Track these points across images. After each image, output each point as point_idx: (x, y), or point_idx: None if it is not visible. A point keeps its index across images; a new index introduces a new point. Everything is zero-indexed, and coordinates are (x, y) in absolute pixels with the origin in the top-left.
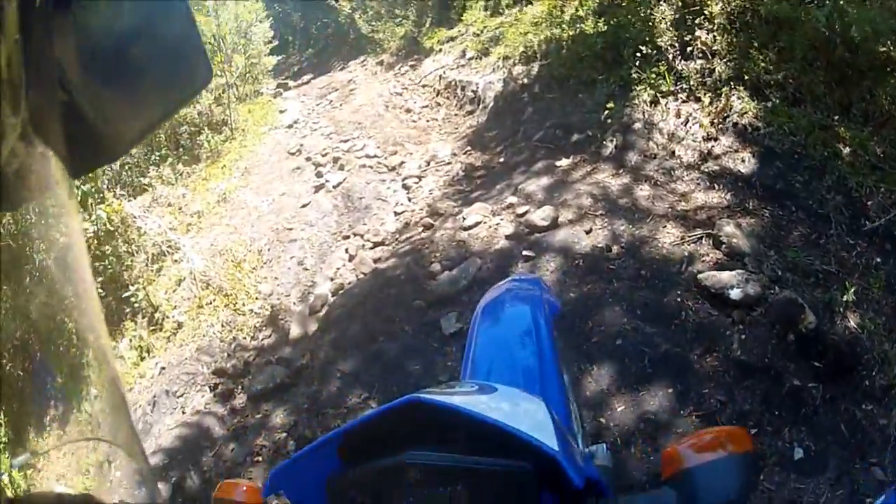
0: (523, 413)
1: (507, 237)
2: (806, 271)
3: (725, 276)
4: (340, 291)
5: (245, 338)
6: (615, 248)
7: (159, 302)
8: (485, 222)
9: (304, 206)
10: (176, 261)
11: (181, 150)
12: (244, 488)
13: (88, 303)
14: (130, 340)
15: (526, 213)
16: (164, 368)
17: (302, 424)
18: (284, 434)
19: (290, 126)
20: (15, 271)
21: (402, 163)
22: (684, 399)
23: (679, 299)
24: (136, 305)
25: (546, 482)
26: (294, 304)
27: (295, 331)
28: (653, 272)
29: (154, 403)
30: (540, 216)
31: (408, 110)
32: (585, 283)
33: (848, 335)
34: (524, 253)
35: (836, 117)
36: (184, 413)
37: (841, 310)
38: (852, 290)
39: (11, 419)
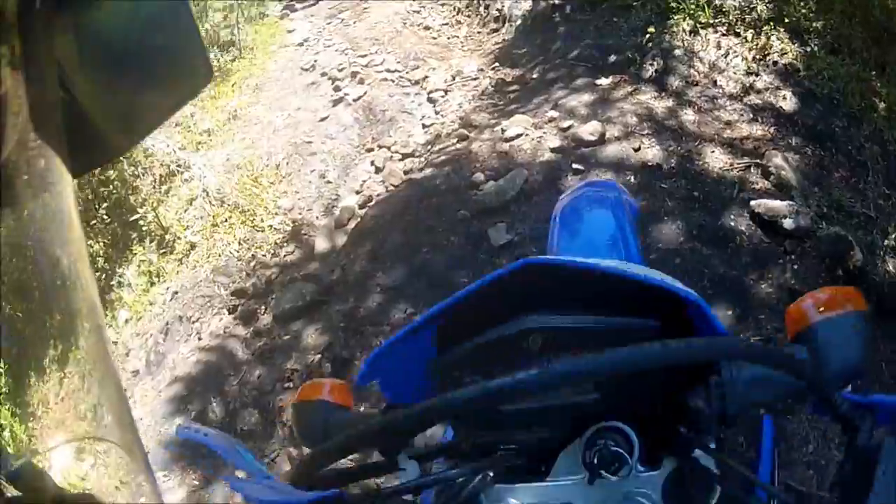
0: (639, 270)
1: (552, 150)
2: (849, 212)
3: (777, 205)
4: (370, 203)
5: (265, 255)
6: (665, 167)
7: (170, 223)
8: (527, 134)
9: (322, 119)
10: (186, 180)
11: None
12: (329, 386)
13: (88, 303)
14: (139, 266)
15: (570, 127)
16: (176, 293)
17: (338, 344)
18: (318, 356)
19: (300, 44)
20: (16, 270)
21: (426, 77)
22: (743, 322)
23: (733, 223)
24: (143, 229)
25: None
26: (317, 218)
27: (321, 245)
28: (705, 194)
29: (167, 331)
30: (588, 130)
31: (427, 27)
32: (639, 199)
33: (888, 279)
34: (573, 166)
35: (873, 73)
36: (200, 339)
37: (881, 253)
38: (893, 235)
39: (11, 419)
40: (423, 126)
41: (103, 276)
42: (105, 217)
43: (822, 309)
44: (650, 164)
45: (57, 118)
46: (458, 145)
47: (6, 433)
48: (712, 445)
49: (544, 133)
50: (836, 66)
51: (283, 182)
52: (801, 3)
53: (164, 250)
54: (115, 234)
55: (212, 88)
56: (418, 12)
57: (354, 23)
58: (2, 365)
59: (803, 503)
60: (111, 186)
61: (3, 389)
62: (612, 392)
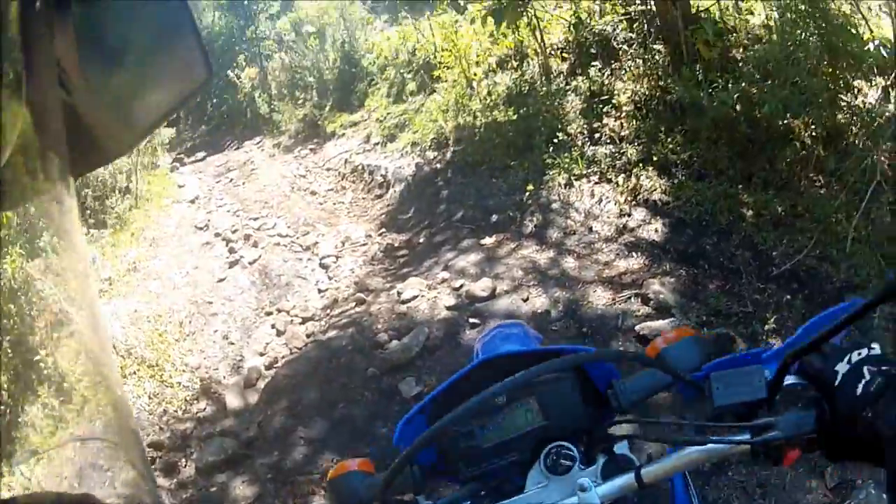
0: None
1: (448, 308)
2: (728, 314)
3: (660, 324)
4: (278, 364)
5: (177, 410)
6: (554, 312)
7: (65, 371)
8: (423, 295)
9: (220, 280)
10: (71, 333)
11: (88, 213)
12: (356, 462)
13: (88, 302)
14: (42, 408)
15: (462, 286)
16: (84, 441)
17: (269, 494)
18: None
19: (192, 201)
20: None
21: (316, 243)
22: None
23: (621, 348)
24: (44, 373)
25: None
26: (224, 377)
27: (233, 402)
28: (593, 329)
29: (80, 477)
30: (479, 287)
31: (313, 192)
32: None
33: None
34: (470, 320)
35: (740, 186)
36: (115, 488)
37: (764, 338)
38: (772, 319)
39: (12, 420)
40: (319, 291)
41: (8, 411)
42: (9, 350)
43: (664, 341)
44: (540, 311)
45: (57, 118)
46: (357, 308)
47: (6, 433)
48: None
49: (438, 293)
50: (704, 191)
51: (187, 340)
52: (669, 140)
53: (62, 398)
54: (18, 370)
55: (111, 236)
56: (304, 176)
57: (243, 183)
58: (2, 365)
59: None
60: (12, 320)
61: (4, 390)
62: (556, 417)
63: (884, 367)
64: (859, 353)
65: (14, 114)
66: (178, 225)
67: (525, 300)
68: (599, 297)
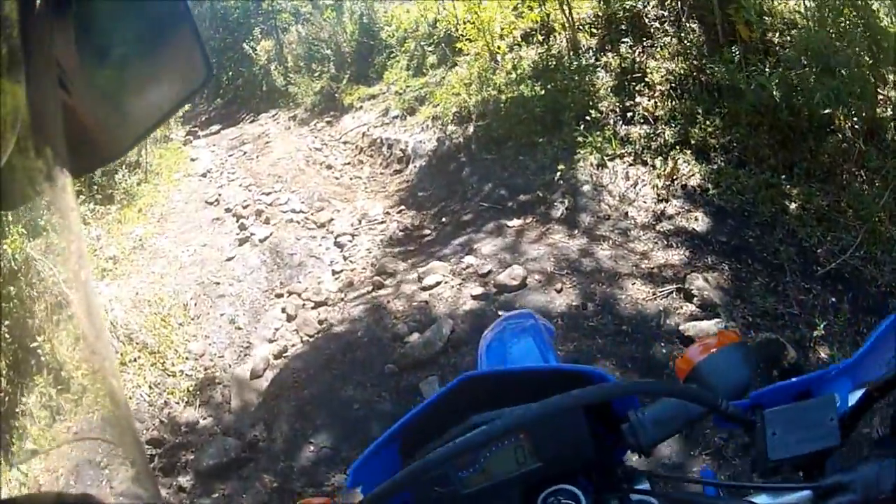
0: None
1: (474, 297)
2: (774, 315)
3: (706, 325)
4: (287, 354)
5: (178, 402)
6: (590, 306)
7: (64, 359)
8: (446, 282)
9: (228, 259)
10: (70, 316)
11: (95, 188)
12: (321, 500)
13: (88, 303)
14: (40, 398)
15: (489, 273)
16: (77, 433)
17: None
18: None
19: (203, 175)
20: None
21: (331, 220)
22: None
23: (664, 350)
24: (42, 359)
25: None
26: (230, 366)
27: (238, 397)
28: (633, 327)
29: (77, 474)
30: (509, 276)
31: (329, 166)
32: (569, 339)
33: (821, 366)
34: (499, 312)
35: (783, 177)
36: (112, 488)
37: (812, 345)
38: (822, 325)
39: (12, 420)
40: (334, 272)
41: (6, 398)
42: (7, 337)
43: (702, 351)
44: (574, 304)
45: (57, 118)
46: (374, 293)
47: (7, 433)
48: (647, 486)
49: (463, 281)
50: (745, 179)
51: (192, 324)
52: (707, 123)
53: (60, 387)
54: (17, 356)
55: (118, 212)
56: (320, 150)
57: (257, 157)
58: (3, 365)
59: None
60: (11, 303)
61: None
62: (554, 457)
63: None
64: None
65: (14, 114)
66: (188, 200)
67: (559, 291)
68: (639, 292)
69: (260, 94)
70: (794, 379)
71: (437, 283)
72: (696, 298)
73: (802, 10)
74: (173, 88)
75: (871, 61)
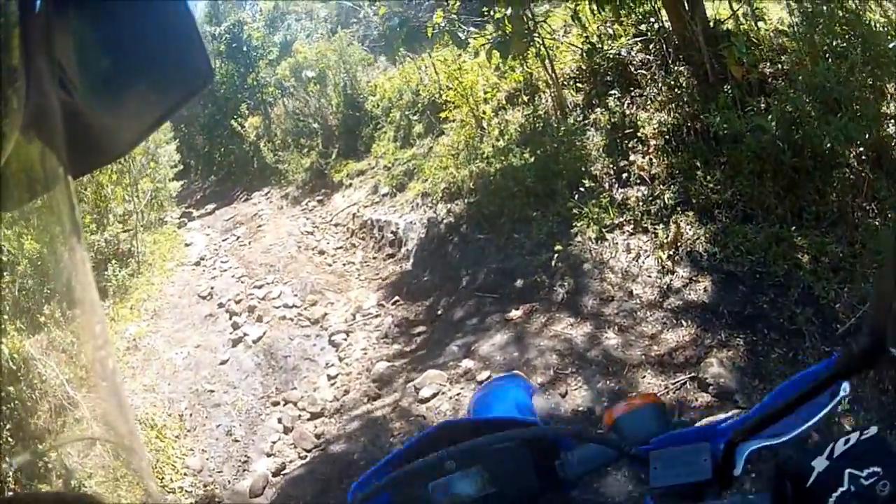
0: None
1: None
2: None
3: (722, 418)
4: (285, 472)
5: None
6: (598, 410)
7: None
8: (444, 392)
9: (222, 362)
10: (77, 419)
11: None
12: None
13: (89, 303)
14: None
15: (489, 378)
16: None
17: None
18: None
19: (197, 263)
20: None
21: (325, 314)
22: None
23: None
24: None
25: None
26: (229, 482)
27: None
28: None
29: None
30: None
31: (321, 252)
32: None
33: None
34: None
35: (793, 227)
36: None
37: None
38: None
39: (12, 420)
40: (329, 377)
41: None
42: (10, 440)
43: (625, 408)
44: (581, 409)
45: (57, 119)
46: (370, 405)
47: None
48: None
49: (462, 389)
50: (752, 235)
51: (188, 437)
52: (707, 177)
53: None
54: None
55: (111, 308)
56: (311, 234)
57: (249, 243)
58: (3, 365)
59: None
60: (12, 404)
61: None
62: (507, 486)
63: (870, 472)
64: (846, 442)
65: (14, 114)
66: (182, 293)
67: (563, 395)
68: (650, 385)
69: (252, 170)
70: (689, 428)
71: (434, 395)
72: (711, 387)
73: (790, 32)
74: (174, 89)
75: (870, 81)
